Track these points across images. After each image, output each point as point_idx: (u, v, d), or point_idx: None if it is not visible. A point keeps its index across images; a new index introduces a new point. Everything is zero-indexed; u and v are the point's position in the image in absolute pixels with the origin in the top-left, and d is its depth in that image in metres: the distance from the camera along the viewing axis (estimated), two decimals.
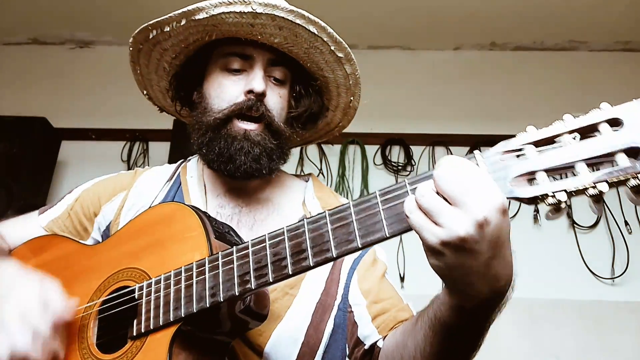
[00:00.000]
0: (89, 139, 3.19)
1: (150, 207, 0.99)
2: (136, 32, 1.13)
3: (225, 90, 1.08)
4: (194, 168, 1.21)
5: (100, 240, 1.13)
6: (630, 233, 2.81)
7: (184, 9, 1.05)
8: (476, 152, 0.69)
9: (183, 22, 1.06)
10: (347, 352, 1.02)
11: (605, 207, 2.86)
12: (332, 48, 1.11)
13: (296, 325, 0.99)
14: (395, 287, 1.08)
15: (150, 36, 1.11)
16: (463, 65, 3.34)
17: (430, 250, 0.66)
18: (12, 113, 2.96)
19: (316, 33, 1.07)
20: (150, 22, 1.10)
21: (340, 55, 1.12)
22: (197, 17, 1.04)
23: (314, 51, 1.11)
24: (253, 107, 1.05)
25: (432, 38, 3.32)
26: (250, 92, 1.06)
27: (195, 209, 0.92)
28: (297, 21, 1.05)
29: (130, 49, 1.16)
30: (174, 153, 2.80)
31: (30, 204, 2.82)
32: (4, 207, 2.65)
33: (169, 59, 1.17)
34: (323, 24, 1.07)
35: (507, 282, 0.70)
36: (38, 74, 3.40)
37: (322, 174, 3.04)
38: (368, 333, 1.00)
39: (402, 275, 2.74)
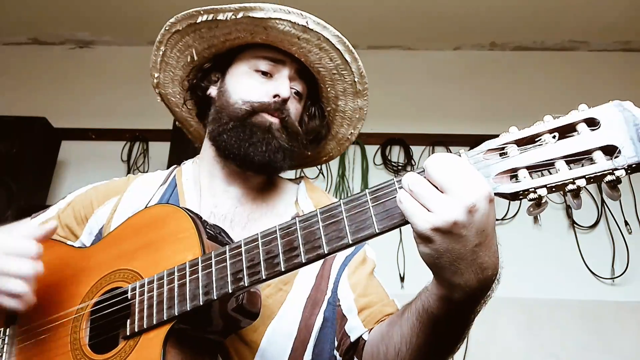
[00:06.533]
0: (89, 139, 3.19)
1: (142, 209, 1.00)
2: (185, 13, 1.12)
3: (252, 89, 1.12)
4: (189, 171, 1.22)
5: (88, 245, 1.12)
6: (630, 233, 2.81)
7: (243, 4, 1.08)
8: (461, 151, 0.73)
9: (240, 15, 1.08)
10: (336, 345, 1.03)
11: (606, 207, 2.86)
12: (356, 79, 1.16)
13: (289, 320, 1.01)
14: (384, 285, 1.10)
15: (199, 20, 1.11)
16: (463, 65, 3.34)
17: (421, 237, 0.68)
18: (12, 113, 2.97)
19: (348, 62, 1.13)
20: (205, 7, 1.11)
21: (359, 88, 1.18)
22: (253, 14, 1.07)
23: (338, 77, 1.17)
24: (279, 109, 1.11)
25: (432, 38, 3.32)
26: (276, 96, 1.11)
27: (188, 211, 0.92)
28: (338, 46, 1.11)
29: (166, 28, 1.16)
30: (174, 153, 2.80)
31: (30, 204, 2.83)
32: (4, 207, 2.66)
33: (201, 48, 1.18)
34: (357, 55, 1.13)
35: (493, 272, 0.73)
36: (38, 74, 3.41)
37: (322, 174, 3.04)
38: (354, 325, 1.01)
39: (402, 275, 2.74)
